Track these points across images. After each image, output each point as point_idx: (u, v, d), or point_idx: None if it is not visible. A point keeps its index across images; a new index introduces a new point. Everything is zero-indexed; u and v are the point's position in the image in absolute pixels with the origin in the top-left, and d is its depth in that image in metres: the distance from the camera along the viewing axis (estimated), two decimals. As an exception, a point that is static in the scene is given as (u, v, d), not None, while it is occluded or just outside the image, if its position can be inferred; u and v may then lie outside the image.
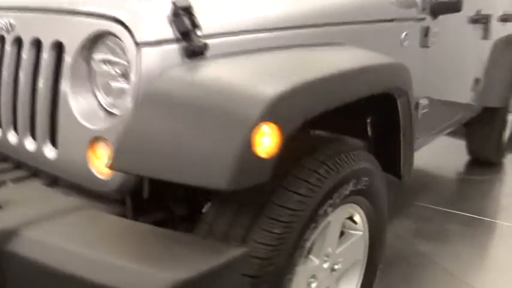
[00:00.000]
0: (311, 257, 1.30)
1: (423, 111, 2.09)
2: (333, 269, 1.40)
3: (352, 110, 1.72)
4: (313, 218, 1.12)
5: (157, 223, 1.13)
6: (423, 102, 2.07)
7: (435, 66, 2.17)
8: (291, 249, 1.08)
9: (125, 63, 1.08)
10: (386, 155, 1.70)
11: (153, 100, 0.94)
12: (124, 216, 1.09)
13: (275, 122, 0.88)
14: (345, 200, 1.29)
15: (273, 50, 1.25)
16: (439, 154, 3.62)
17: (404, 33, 1.81)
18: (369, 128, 1.76)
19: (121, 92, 1.09)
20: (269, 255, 1.02)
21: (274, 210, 1.07)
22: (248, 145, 0.83)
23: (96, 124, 1.10)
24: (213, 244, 0.89)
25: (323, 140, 1.31)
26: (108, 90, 1.13)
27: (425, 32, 1.97)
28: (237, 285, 0.87)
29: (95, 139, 1.08)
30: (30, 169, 1.30)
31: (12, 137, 1.32)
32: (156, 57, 1.03)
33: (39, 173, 1.27)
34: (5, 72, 1.32)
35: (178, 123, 0.88)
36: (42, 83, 1.19)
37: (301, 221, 1.09)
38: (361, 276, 1.56)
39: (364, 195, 1.38)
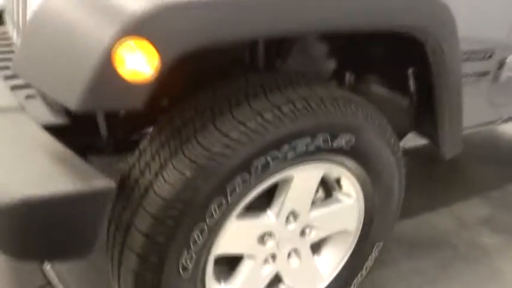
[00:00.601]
0: (269, 212, 1.14)
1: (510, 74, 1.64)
2: (303, 233, 1.23)
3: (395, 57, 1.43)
4: (244, 168, 0.95)
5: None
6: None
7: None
8: (205, 197, 0.93)
9: None
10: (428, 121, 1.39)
11: (39, 15, 0.87)
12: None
13: (148, 38, 0.73)
14: (314, 157, 1.07)
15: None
16: None
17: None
18: (410, 82, 1.44)
19: None
20: (172, 197, 0.91)
21: (193, 150, 0.94)
22: (106, 63, 0.70)
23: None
24: (85, 172, 0.82)
25: (282, 79, 1.06)
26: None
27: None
28: (100, 217, 0.80)
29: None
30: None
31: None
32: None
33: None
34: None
35: (55, 36, 0.79)
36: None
37: (224, 168, 0.93)
38: (350, 250, 1.33)
39: (351, 157, 1.13)
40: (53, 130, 0.99)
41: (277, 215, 1.14)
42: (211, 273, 1.11)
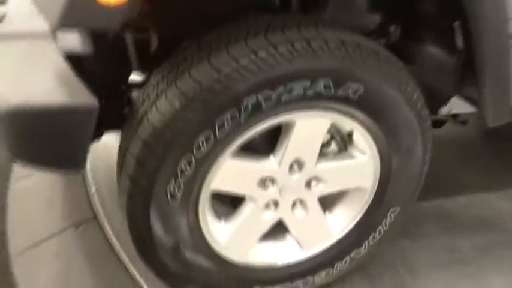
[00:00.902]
0: (272, 157, 1.13)
1: None
2: (309, 184, 1.20)
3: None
4: (234, 104, 0.94)
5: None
6: None
7: None
8: (193, 128, 0.95)
9: None
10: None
11: None
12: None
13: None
14: (316, 104, 1.02)
15: None
16: None
17: None
18: (457, 38, 1.29)
19: None
20: (161, 125, 0.94)
21: (185, 82, 0.96)
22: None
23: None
24: (77, 91, 0.87)
25: (290, 20, 1.02)
26: None
27: None
28: (82, 131, 0.86)
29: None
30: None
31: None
32: None
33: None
34: None
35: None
36: None
37: (213, 102, 0.94)
38: (364, 210, 1.27)
39: (361, 109, 1.07)
40: (74, 58, 1.08)
41: (280, 161, 1.13)
42: (209, 208, 1.15)
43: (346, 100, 1.05)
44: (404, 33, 1.42)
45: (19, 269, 1.43)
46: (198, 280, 1.21)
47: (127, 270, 1.43)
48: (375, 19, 1.43)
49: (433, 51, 1.37)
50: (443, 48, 1.33)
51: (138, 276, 1.40)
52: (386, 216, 1.30)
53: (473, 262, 1.55)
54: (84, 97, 0.84)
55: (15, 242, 1.53)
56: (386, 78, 1.05)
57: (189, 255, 1.15)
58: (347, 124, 1.13)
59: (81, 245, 1.51)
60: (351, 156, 1.21)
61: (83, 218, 1.62)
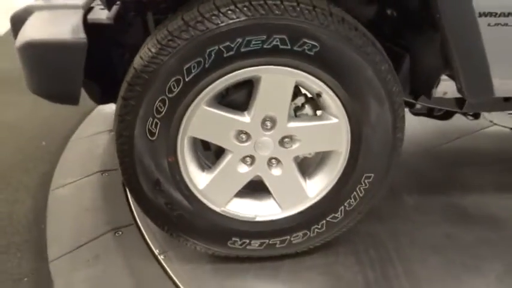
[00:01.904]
0: (246, 112, 1.25)
1: None
2: (283, 142, 1.29)
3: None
4: (199, 53, 1.10)
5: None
6: None
7: None
8: (165, 72, 1.11)
9: None
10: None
11: None
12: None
13: None
14: (276, 59, 1.14)
15: None
16: None
17: None
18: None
19: None
20: (140, 68, 1.12)
21: (161, 34, 1.13)
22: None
23: None
24: (76, 31, 1.09)
25: None
26: None
27: None
28: (75, 64, 1.07)
29: None
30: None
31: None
32: None
33: None
34: None
35: None
36: None
37: (181, 50, 1.10)
38: (339, 174, 1.33)
39: (319, 66, 1.16)
40: (98, 25, 1.34)
41: (252, 116, 1.25)
42: (189, 152, 1.29)
43: (303, 56, 1.15)
44: (399, 19, 1.49)
45: (57, 274, 1.45)
46: (180, 222, 1.35)
47: (166, 276, 1.43)
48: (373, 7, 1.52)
49: (424, 31, 1.41)
50: (429, 26, 1.37)
51: (176, 281, 1.41)
52: (361, 182, 1.33)
53: (471, 253, 1.50)
54: (76, 36, 1.07)
55: (54, 247, 1.56)
56: (343, 38, 1.14)
57: (170, 193, 1.29)
58: (313, 84, 1.22)
59: (120, 250, 1.53)
60: (322, 118, 1.29)
61: (121, 224, 1.65)
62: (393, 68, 1.24)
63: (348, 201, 1.36)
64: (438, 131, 2.42)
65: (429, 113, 1.78)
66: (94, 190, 1.85)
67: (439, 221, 1.66)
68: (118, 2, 1.30)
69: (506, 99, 1.61)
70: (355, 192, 1.35)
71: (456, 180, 1.94)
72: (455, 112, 1.72)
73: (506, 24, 1.29)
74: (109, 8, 1.30)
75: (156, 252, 1.50)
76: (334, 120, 1.27)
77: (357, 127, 1.27)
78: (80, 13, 1.32)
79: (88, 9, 1.40)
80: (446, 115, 1.76)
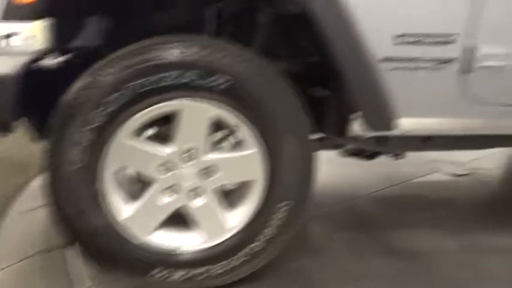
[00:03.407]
0: (168, 144, 1.31)
1: (485, 64, 1.43)
2: (204, 173, 1.33)
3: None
4: (116, 88, 1.19)
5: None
6: (484, 50, 1.42)
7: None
8: (89, 104, 1.19)
9: None
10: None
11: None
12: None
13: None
14: (194, 93, 1.22)
15: None
16: None
17: None
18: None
19: None
20: (73, 96, 1.21)
21: (93, 75, 1.22)
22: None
23: None
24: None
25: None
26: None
27: None
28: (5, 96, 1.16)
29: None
30: None
31: None
32: None
33: None
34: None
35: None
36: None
37: (104, 85, 1.18)
38: (257, 204, 1.36)
39: (234, 101, 1.24)
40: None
41: (174, 148, 1.31)
42: (114, 182, 1.31)
43: (217, 90, 1.24)
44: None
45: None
46: (104, 251, 1.35)
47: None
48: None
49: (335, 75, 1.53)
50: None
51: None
52: (279, 210, 1.37)
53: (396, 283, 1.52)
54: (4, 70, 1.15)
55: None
56: (255, 74, 1.24)
57: (94, 222, 1.31)
58: (230, 117, 1.30)
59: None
60: (241, 149, 1.36)
61: (50, 246, 1.66)
62: (304, 104, 1.33)
63: (267, 230, 1.38)
64: (383, 176, 2.50)
65: (358, 154, 1.87)
66: (34, 275, 1.62)
67: (368, 256, 1.70)
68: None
69: (425, 139, 1.72)
70: (274, 221, 1.38)
71: (390, 223, 1.99)
72: (380, 153, 1.82)
73: (406, 68, 1.43)
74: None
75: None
76: (251, 151, 1.34)
77: (272, 158, 1.33)
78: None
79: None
80: (374, 155, 1.85)
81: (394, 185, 2.43)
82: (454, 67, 1.44)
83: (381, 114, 1.35)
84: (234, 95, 1.25)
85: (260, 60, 1.27)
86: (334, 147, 1.81)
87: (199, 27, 1.56)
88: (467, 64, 1.44)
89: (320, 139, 1.69)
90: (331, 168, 2.43)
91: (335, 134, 1.61)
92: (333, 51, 1.27)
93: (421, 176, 2.57)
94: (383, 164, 1.96)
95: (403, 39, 1.37)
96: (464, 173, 2.59)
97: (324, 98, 1.55)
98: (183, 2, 1.52)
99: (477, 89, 1.47)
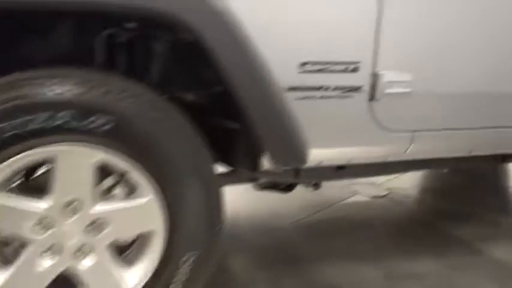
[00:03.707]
0: (46, 197, 1.08)
1: (390, 91, 1.41)
2: (91, 228, 1.13)
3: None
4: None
5: None
6: (390, 77, 1.40)
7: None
8: None
9: None
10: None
11: None
12: None
13: None
14: (71, 137, 1.03)
15: None
16: None
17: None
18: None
19: None
20: None
21: None
22: None
23: None
24: None
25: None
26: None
27: None
28: None
29: None
30: None
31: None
32: None
33: None
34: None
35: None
36: None
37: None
38: (158, 257, 1.18)
39: (119, 144, 1.06)
40: None
41: (52, 201, 1.09)
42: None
43: (98, 133, 1.05)
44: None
45: None
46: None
47: None
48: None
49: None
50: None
51: None
52: (183, 262, 1.19)
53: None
54: None
55: None
56: (142, 112, 1.07)
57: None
58: (117, 162, 1.11)
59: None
60: (133, 198, 1.17)
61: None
62: (206, 142, 1.18)
63: (173, 285, 1.21)
64: (304, 202, 2.44)
65: (274, 186, 1.77)
66: None
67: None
68: None
69: (339, 167, 1.66)
70: (178, 276, 1.20)
71: (314, 254, 1.92)
72: (296, 184, 1.73)
73: (313, 97, 1.36)
74: None
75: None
76: (146, 198, 1.16)
77: (172, 204, 1.16)
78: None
79: None
80: (289, 187, 1.76)
81: (316, 212, 2.38)
82: (362, 95, 1.39)
83: (289, 148, 1.25)
84: (119, 137, 1.06)
85: (151, 95, 1.11)
86: (249, 180, 1.70)
87: (89, 57, 1.38)
88: (374, 92, 1.40)
89: (232, 172, 1.57)
90: (251, 197, 2.34)
91: (247, 168, 1.49)
92: (231, 82, 1.16)
93: (341, 200, 2.55)
94: (304, 190, 1.90)
95: (307, 67, 1.30)
96: (383, 194, 2.61)
97: (233, 130, 1.43)
98: (64, 29, 1.34)
99: (385, 116, 1.44)
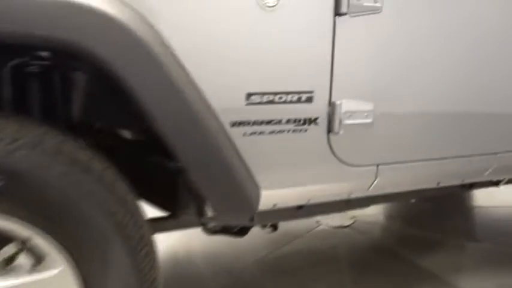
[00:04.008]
0: None
1: (350, 122, 1.25)
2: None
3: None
4: None
5: None
6: (349, 107, 1.24)
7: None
8: None
9: None
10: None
11: None
12: None
13: None
14: None
15: None
16: None
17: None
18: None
19: None
20: None
21: None
22: None
23: None
24: None
25: None
26: None
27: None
28: None
29: None
30: None
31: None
32: None
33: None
34: None
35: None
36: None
37: None
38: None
39: (12, 205, 0.83)
40: None
41: None
42: None
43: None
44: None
45: None
46: None
47: None
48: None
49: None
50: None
51: None
52: None
53: None
54: None
55: None
56: (39, 166, 0.84)
57: None
58: (14, 228, 0.87)
59: None
60: (41, 270, 0.92)
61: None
62: (127, 197, 0.97)
63: None
64: (267, 237, 2.25)
65: (226, 230, 1.56)
66: None
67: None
68: None
69: (299, 207, 1.47)
70: None
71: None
72: (251, 226, 1.54)
73: (263, 133, 1.18)
74: None
75: None
76: (56, 270, 0.92)
77: (89, 275, 0.93)
78: None
79: None
80: (243, 231, 1.56)
81: (280, 247, 2.19)
82: (318, 127, 1.21)
83: (232, 195, 1.05)
84: (11, 197, 0.83)
85: (55, 142, 0.88)
86: (197, 225, 1.48)
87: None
88: (331, 123, 1.23)
89: (176, 217, 1.36)
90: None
91: (190, 213, 1.28)
92: (154, 121, 0.94)
93: (306, 232, 2.38)
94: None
95: (254, 98, 1.12)
96: (347, 223, 2.46)
97: (175, 170, 1.22)
98: None
99: (345, 150, 1.27)
